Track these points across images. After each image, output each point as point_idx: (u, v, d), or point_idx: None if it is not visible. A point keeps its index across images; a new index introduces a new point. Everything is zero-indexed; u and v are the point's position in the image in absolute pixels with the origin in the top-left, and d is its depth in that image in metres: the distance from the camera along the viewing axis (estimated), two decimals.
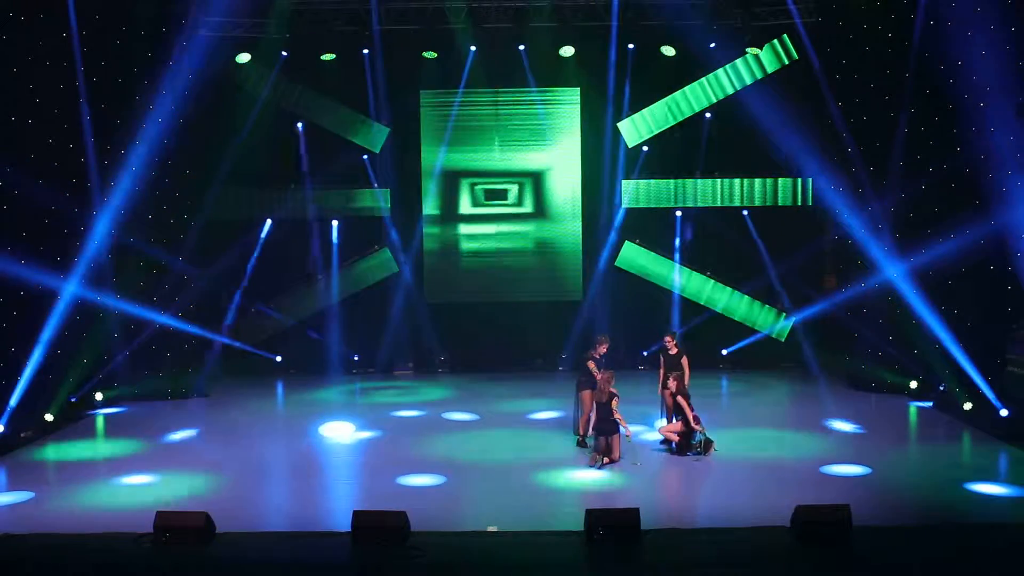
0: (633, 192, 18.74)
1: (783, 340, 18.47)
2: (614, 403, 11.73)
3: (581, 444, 12.71)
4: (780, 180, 18.37)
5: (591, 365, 12.67)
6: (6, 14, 13.04)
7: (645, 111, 18.41)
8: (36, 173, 13.50)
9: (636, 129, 18.51)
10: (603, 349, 12.89)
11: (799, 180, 18.20)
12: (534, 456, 12.36)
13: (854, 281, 16.23)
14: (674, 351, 13.00)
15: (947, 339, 14.43)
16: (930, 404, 14.99)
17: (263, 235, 18.48)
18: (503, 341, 18.64)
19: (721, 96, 18.08)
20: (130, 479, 11.53)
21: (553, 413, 14.79)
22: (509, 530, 9.44)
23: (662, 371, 13.05)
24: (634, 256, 18.79)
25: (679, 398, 12.36)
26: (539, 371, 18.43)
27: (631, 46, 17.96)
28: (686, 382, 12.62)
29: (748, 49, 17.61)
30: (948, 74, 14.11)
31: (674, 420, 12.51)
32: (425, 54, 17.96)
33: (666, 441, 12.62)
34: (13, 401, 13.32)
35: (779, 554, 8.79)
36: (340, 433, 13.90)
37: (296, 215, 18.61)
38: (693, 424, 12.15)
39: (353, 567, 8.74)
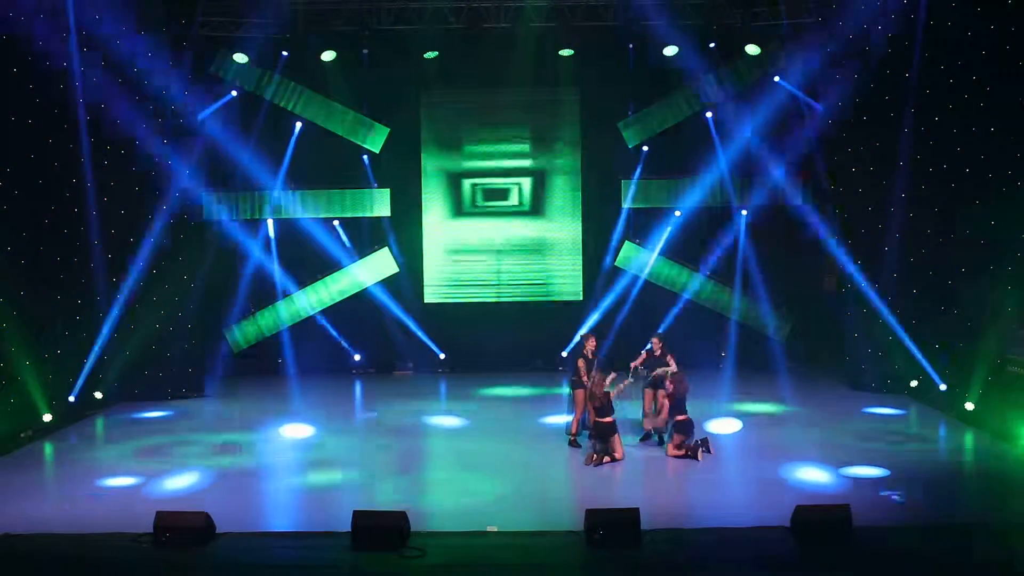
0: (633, 192, 18.74)
1: (780, 339, 18.48)
2: (613, 394, 11.79)
3: (573, 444, 12.73)
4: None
5: (580, 364, 12.69)
6: None
7: (645, 111, 18.42)
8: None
9: (636, 129, 18.50)
10: (591, 346, 12.88)
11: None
12: (534, 456, 12.36)
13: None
14: (659, 353, 13.02)
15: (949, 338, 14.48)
16: (930, 404, 14.99)
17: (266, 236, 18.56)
18: (503, 341, 18.64)
19: (721, 96, 18.09)
20: (129, 479, 11.53)
21: (552, 413, 14.79)
22: (509, 530, 9.44)
23: (640, 366, 13.08)
24: (634, 256, 18.81)
25: (663, 398, 12.55)
26: (539, 371, 18.43)
27: (631, 46, 17.96)
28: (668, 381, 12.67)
29: (748, 48, 17.61)
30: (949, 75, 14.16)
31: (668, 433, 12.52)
32: (425, 54, 17.97)
33: (646, 437, 12.83)
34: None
35: (779, 554, 8.78)
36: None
37: (296, 215, 18.62)
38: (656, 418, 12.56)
39: (353, 567, 8.73)
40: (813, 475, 11.30)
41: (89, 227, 15.25)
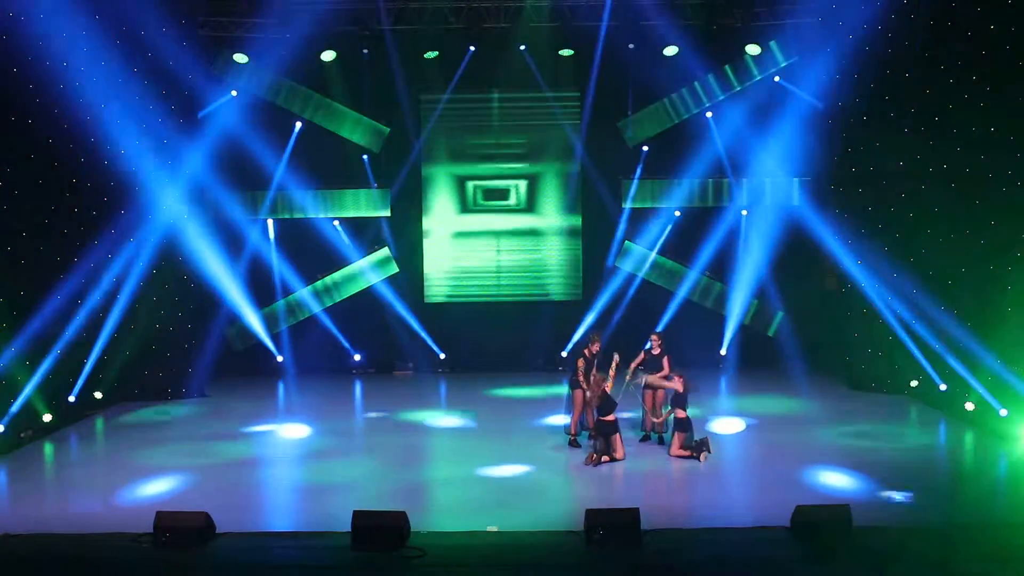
0: (633, 192, 18.73)
1: (779, 338, 18.48)
2: (607, 386, 11.75)
3: (573, 444, 12.72)
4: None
5: (580, 364, 12.68)
6: None
7: (645, 111, 18.42)
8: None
9: (636, 129, 18.50)
10: (595, 348, 12.87)
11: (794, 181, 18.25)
12: (534, 455, 12.36)
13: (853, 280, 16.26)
14: (658, 351, 13.03)
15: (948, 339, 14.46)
16: (930, 404, 14.98)
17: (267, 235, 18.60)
18: (503, 341, 18.63)
19: (721, 96, 18.10)
20: (129, 479, 11.51)
21: (552, 413, 14.78)
22: (509, 530, 9.44)
23: (639, 366, 13.10)
24: (634, 255, 18.80)
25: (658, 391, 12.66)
26: (539, 371, 18.44)
27: (631, 46, 17.95)
28: (666, 381, 12.65)
29: (748, 48, 17.62)
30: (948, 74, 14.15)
31: (672, 434, 12.50)
32: (426, 54, 17.97)
33: (646, 438, 12.84)
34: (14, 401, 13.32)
35: (779, 554, 8.79)
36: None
37: (296, 215, 18.62)
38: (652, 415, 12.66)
39: (353, 567, 8.73)
40: (813, 475, 11.30)
41: (89, 227, 15.23)
